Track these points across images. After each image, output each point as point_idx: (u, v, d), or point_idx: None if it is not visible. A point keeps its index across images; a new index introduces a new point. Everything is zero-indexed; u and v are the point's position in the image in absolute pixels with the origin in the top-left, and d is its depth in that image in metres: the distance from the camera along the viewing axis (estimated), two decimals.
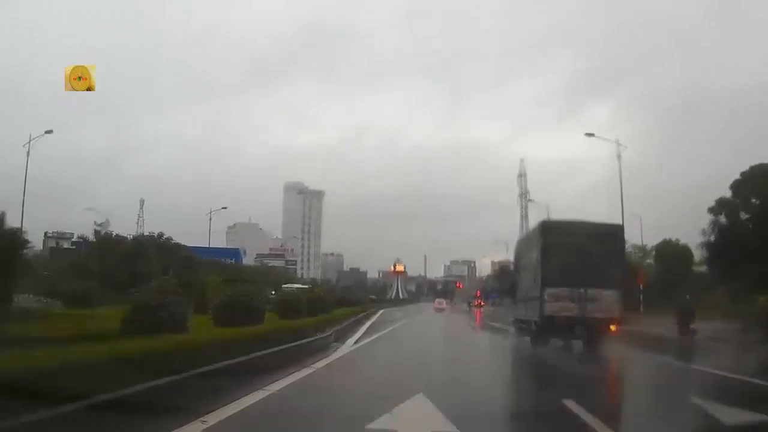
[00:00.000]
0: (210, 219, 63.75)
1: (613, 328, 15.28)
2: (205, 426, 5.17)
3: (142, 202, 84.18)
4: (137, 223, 78.35)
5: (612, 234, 15.94)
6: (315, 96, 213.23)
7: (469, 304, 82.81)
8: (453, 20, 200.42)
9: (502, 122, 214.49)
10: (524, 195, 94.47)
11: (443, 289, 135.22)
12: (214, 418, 5.44)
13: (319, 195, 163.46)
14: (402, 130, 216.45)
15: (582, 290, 15.01)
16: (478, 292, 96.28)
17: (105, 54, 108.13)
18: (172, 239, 55.80)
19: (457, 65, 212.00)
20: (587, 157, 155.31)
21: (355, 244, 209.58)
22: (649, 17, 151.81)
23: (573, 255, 15.15)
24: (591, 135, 36.40)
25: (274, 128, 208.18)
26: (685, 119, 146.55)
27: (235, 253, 75.91)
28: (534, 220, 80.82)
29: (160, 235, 53.29)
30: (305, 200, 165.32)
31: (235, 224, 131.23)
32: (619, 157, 33.52)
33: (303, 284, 68.41)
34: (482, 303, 79.00)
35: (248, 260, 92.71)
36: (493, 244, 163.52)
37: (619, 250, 16.10)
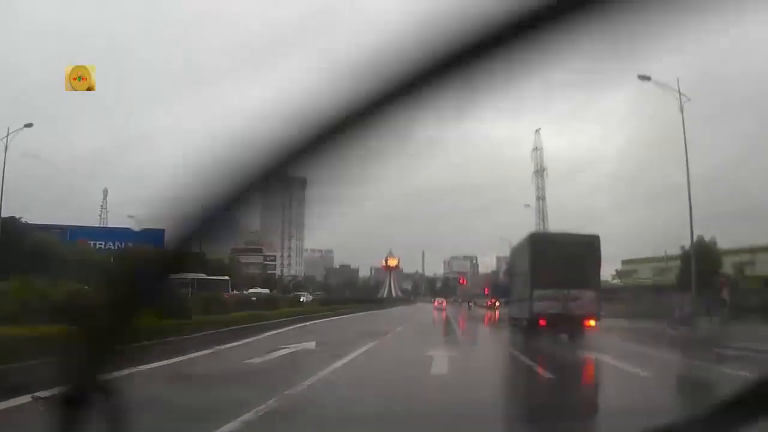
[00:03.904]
0: (6, 146, 39.03)
1: (592, 322, 20.61)
2: None
3: (105, 192, 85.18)
4: (100, 215, 79.14)
5: (590, 243, 21.20)
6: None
7: (469, 304, 78.59)
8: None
9: (510, 114, 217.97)
10: (540, 172, 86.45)
11: (443, 287, 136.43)
12: None
13: (300, 182, 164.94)
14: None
15: (565, 291, 20.16)
16: (487, 288, 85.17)
17: (94, 46, 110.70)
18: None
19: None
20: (600, 149, 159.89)
21: (350, 242, 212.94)
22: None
23: (557, 261, 20.38)
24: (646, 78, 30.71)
25: (270, 119, 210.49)
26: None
27: (155, 236, 73.13)
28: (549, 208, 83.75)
29: None
30: (284, 187, 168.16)
31: None
32: (681, 110, 31.92)
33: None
34: (497, 302, 62.90)
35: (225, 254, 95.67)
36: (496, 239, 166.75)
37: (596, 256, 21.36)
